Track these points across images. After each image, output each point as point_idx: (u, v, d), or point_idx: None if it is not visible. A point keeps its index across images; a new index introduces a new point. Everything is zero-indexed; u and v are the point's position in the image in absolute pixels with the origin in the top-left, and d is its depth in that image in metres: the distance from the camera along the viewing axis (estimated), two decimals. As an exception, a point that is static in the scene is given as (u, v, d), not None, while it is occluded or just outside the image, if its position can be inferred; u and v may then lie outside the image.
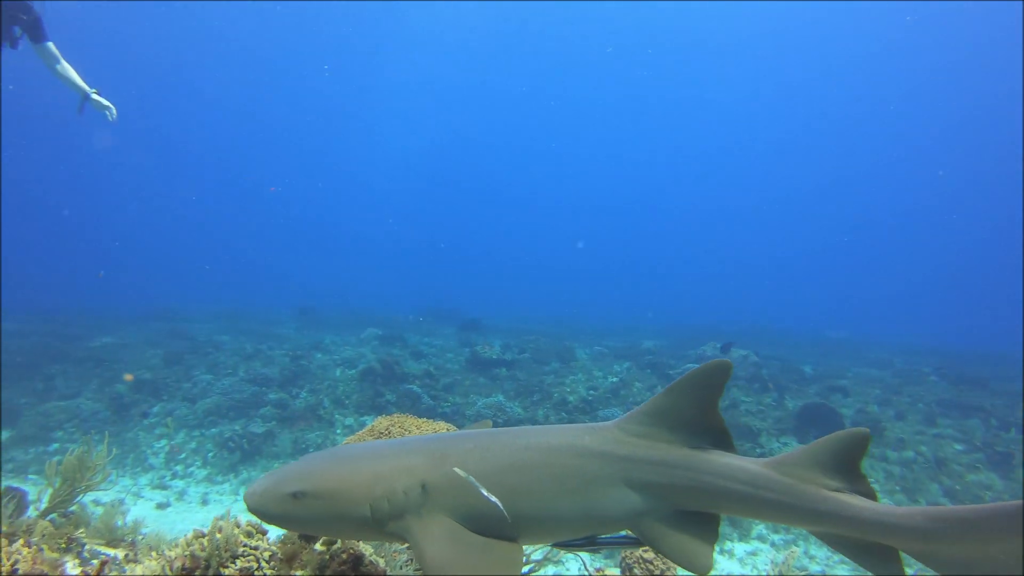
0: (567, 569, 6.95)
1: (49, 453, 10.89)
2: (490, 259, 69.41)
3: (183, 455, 11.41)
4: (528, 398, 13.84)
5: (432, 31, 51.85)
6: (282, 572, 2.62)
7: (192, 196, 67.03)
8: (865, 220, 66.54)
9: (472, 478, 2.26)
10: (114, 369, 14.58)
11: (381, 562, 3.00)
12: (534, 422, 12.30)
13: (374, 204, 73.82)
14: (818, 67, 52.83)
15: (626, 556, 4.48)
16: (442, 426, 4.57)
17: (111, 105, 7.65)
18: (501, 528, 2.31)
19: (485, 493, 2.24)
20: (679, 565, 2.44)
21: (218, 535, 2.56)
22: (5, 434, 11.55)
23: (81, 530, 4.01)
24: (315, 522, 2.32)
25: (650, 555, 4.42)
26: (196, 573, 2.44)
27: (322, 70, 56.33)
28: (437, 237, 71.93)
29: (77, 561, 3.73)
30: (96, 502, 7.65)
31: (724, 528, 9.20)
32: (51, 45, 7.30)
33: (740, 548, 9.12)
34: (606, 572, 4.38)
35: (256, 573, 2.54)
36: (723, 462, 2.53)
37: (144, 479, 10.66)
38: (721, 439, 2.61)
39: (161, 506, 9.81)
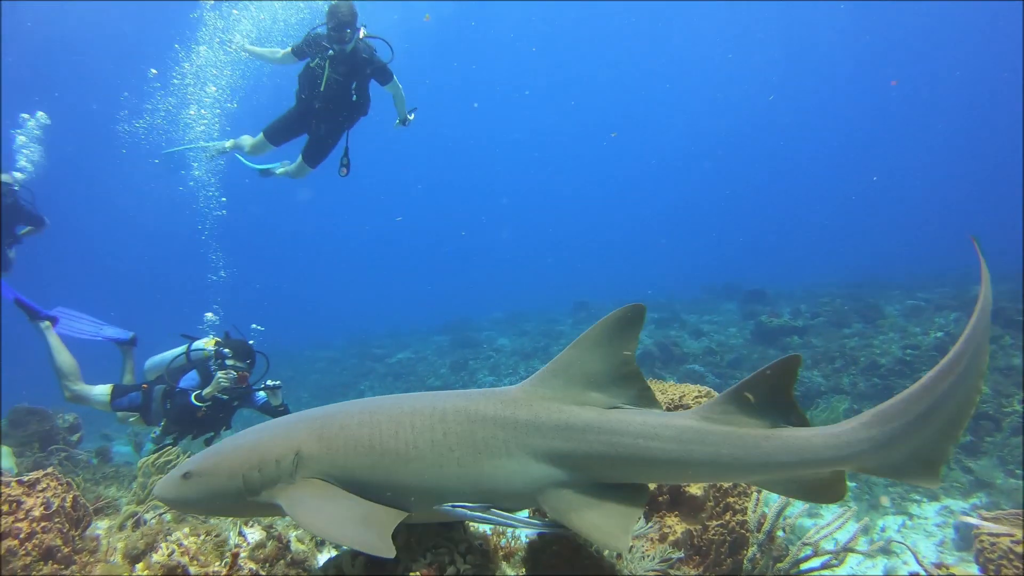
0: (904, 563, 6.27)
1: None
2: (767, 226, 62.77)
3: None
4: (829, 365, 11.99)
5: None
6: (484, 567, 2.28)
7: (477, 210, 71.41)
8: None
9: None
10: (409, 381, 15.79)
11: (605, 552, 2.58)
12: (838, 391, 10.95)
13: (641, 187, 71.61)
14: None
15: (985, 550, 3.56)
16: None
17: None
18: (382, 494, 2.10)
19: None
20: (595, 543, 2.31)
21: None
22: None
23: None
24: (201, 501, 2.21)
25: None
26: (387, 567, 2.19)
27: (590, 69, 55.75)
28: (709, 213, 67.40)
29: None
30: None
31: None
32: (395, 79, 7.91)
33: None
34: (952, 570, 3.62)
35: (449, 569, 2.20)
36: (643, 420, 2.22)
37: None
38: (642, 394, 2.34)
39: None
